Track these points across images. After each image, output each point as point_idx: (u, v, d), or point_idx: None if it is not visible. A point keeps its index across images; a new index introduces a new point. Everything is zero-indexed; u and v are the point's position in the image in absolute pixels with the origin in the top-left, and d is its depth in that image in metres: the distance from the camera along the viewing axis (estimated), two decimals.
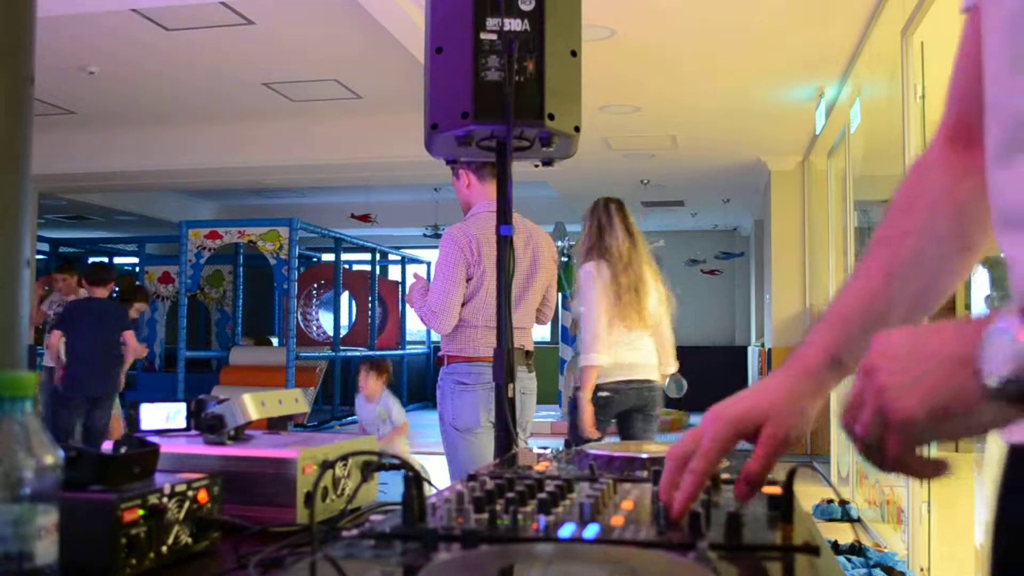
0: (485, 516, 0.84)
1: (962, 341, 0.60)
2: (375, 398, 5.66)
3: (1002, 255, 0.72)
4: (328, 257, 13.72)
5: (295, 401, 1.38)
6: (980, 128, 0.78)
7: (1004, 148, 0.68)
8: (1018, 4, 0.66)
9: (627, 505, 0.92)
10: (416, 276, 3.49)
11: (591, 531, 0.80)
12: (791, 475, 0.90)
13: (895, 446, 0.65)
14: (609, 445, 1.24)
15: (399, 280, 14.79)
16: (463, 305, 3.25)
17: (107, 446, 1.04)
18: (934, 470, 0.68)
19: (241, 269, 12.47)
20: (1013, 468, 0.77)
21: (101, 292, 6.35)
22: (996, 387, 0.58)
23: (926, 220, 0.86)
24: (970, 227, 0.84)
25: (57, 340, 5.98)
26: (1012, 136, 0.67)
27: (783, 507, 0.88)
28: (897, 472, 0.68)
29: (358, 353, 12.72)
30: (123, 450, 0.99)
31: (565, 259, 10.83)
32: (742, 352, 12.80)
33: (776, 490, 0.92)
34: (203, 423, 1.23)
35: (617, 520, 0.85)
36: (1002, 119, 0.68)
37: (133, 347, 6.16)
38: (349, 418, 12.38)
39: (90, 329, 6.02)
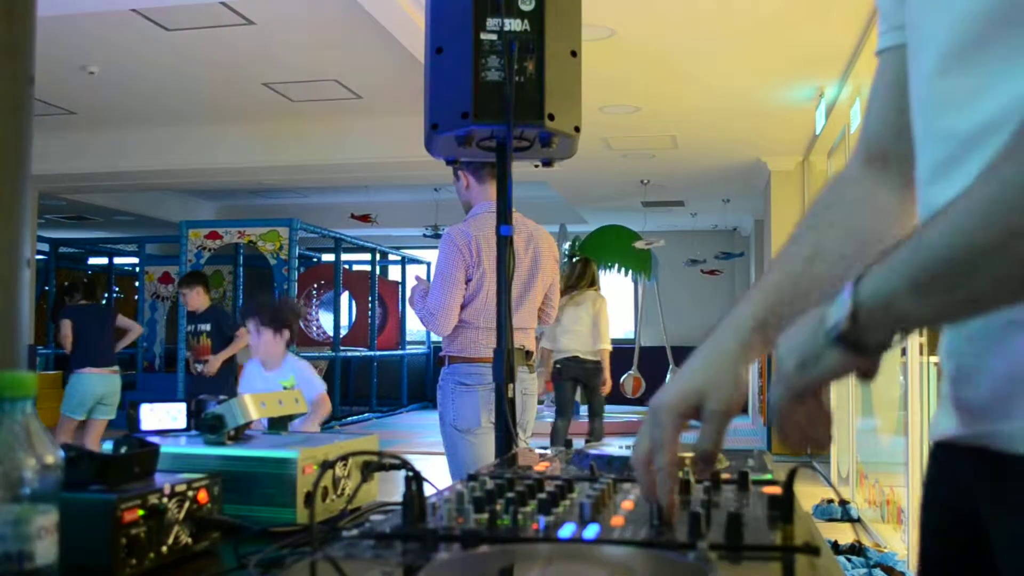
0: (485, 516, 0.84)
1: (815, 317, 0.75)
2: (275, 361, 3.95)
3: None
4: (328, 257, 13.71)
5: (295, 401, 1.38)
6: (895, 151, 0.93)
7: (940, 168, 0.78)
8: (936, 60, 0.78)
9: (627, 505, 0.92)
10: (417, 278, 3.49)
11: (591, 531, 0.80)
12: (791, 475, 0.90)
13: (787, 406, 0.80)
14: (609, 445, 1.24)
15: (399, 280, 14.79)
16: (464, 307, 3.25)
17: (107, 446, 1.04)
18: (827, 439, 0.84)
19: (241, 269, 12.47)
20: (932, 461, 0.87)
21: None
22: (828, 333, 0.72)
23: (847, 217, 0.97)
24: (885, 227, 0.95)
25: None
26: (945, 159, 0.77)
27: (783, 507, 0.88)
28: (804, 442, 0.84)
29: (358, 353, 12.73)
30: (123, 450, 0.99)
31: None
32: None
33: (776, 490, 0.92)
34: (203, 423, 1.23)
35: (617, 520, 0.85)
36: (935, 146, 0.79)
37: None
38: (350, 418, 12.38)
39: None
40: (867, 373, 0.74)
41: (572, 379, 6.56)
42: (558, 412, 6.66)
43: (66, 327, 6.66)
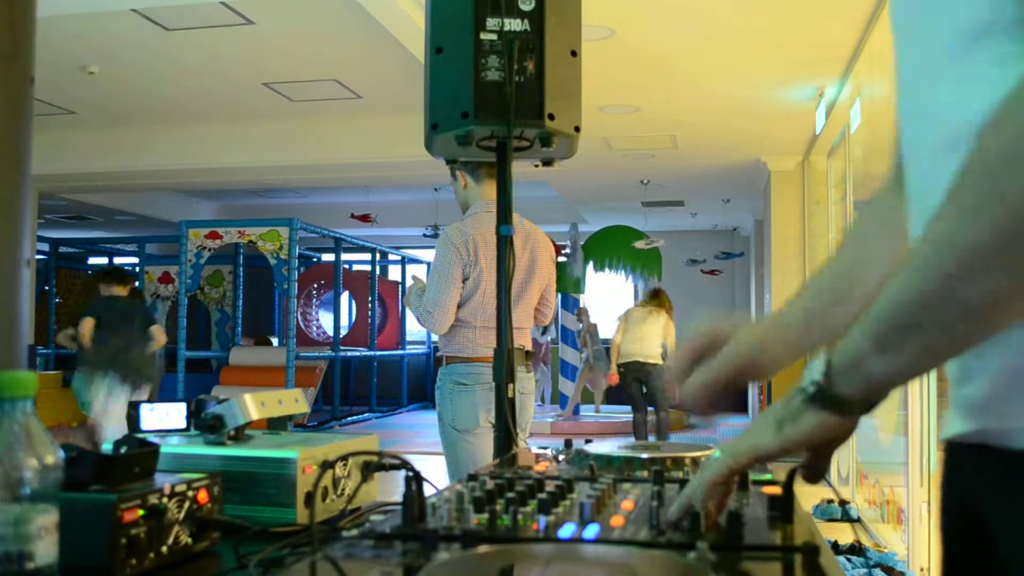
0: (485, 516, 0.84)
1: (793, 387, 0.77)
2: None
3: None
4: (328, 257, 13.72)
5: (295, 401, 1.38)
6: None
7: (918, 183, 0.82)
8: (907, 79, 0.82)
9: (627, 505, 0.92)
10: (414, 278, 3.50)
11: (591, 531, 0.80)
12: (791, 475, 0.90)
13: (713, 487, 0.83)
14: (609, 445, 1.24)
15: (399, 280, 14.79)
16: (461, 306, 3.25)
17: (107, 446, 1.04)
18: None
19: (241, 269, 12.48)
20: (947, 458, 0.88)
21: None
22: (805, 391, 0.74)
23: (876, 230, 1.02)
24: (896, 254, 0.97)
25: None
26: (919, 173, 0.81)
27: (783, 507, 0.88)
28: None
29: (358, 353, 12.73)
30: (123, 450, 0.99)
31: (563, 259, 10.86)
32: None
33: (776, 490, 0.93)
34: (203, 423, 1.23)
35: (617, 520, 0.85)
36: (911, 161, 0.83)
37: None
38: (350, 418, 12.39)
39: None
40: (843, 435, 0.77)
41: (635, 379, 7.91)
42: (633, 408, 8.15)
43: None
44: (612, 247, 11.22)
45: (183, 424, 1.35)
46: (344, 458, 1.21)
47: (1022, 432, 0.73)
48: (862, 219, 1.04)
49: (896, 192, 0.99)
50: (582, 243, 11.50)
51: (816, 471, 0.82)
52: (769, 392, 8.82)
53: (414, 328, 14.68)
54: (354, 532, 0.80)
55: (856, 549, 4.50)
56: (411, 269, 14.53)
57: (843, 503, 5.80)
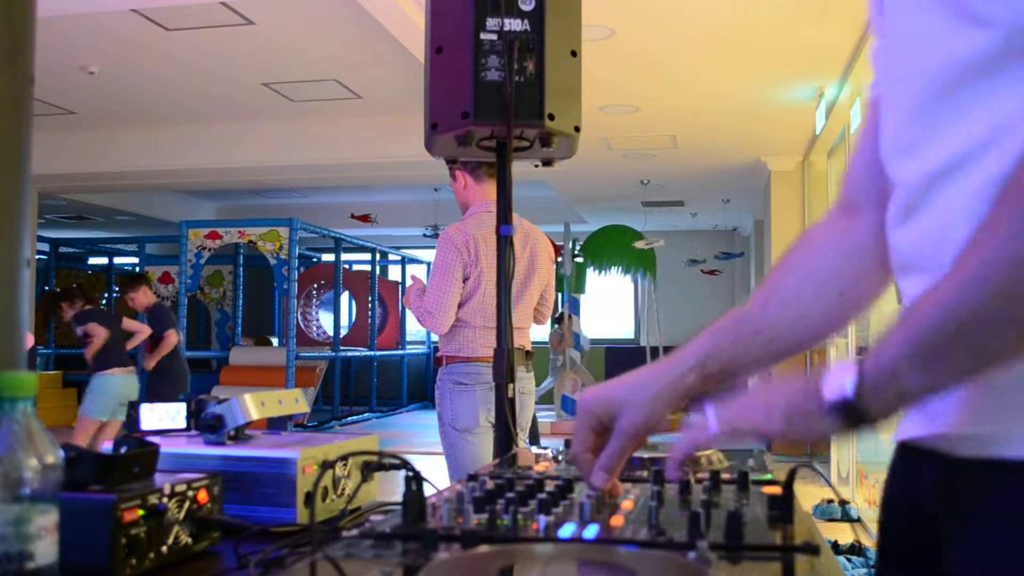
0: (485, 516, 0.84)
1: (808, 381, 0.77)
2: None
3: (899, 297, 0.87)
4: (328, 257, 13.72)
5: (295, 401, 1.38)
6: (865, 198, 0.96)
7: (902, 213, 0.83)
8: (908, 109, 0.81)
9: (627, 505, 0.92)
10: (413, 278, 3.49)
11: (591, 531, 0.80)
12: (791, 475, 0.91)
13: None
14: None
15: (399, 280, 14.78)
16: (461, 305, 3.25)
17: (107, 446, 1.04)
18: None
19: (241, 269, 12.47)
20: (896, 458, 0.90)
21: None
22: (831, 401, 0.74)
23: (809, 261, 0.99)
24: (854, 271, 0.96)
25: None
26: (906, 204, 0.81)
27: (783, 507, 0.88)
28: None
29: (358, 353, 12.73)
30: (123, 450, 0.99)
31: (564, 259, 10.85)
32: None
33: (776, 490, 0.93)
34: (203, 423, 1.23)
35: (617, 520, 0.85)
36: (899, 192, 0.83)
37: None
38: (350, 418, 12.39)
39: None
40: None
41: None
42: None
43: (100, 330, 6.72)
44: (609, 247, 11.21)
45: (183, 424, 1.35)
46: (344, 458, 1.21)
47: (969, 440, 0.75)
48: (784, 258, 1.02)
49: (834, 226, 1.00)
50: (580, 243, 11.51)
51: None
52: None
53: (414, 328, 14.67)
54: (354, 532, 0.80)
55: (856, 549, 4.50)
56: (411, 269, 14.53)
57: (843, 503, 5.80)
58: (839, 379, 0.74)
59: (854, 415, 0.73)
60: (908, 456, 0.87)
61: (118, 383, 6.77)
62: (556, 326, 11.33)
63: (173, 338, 6.98)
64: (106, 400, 6.74)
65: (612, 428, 0.91)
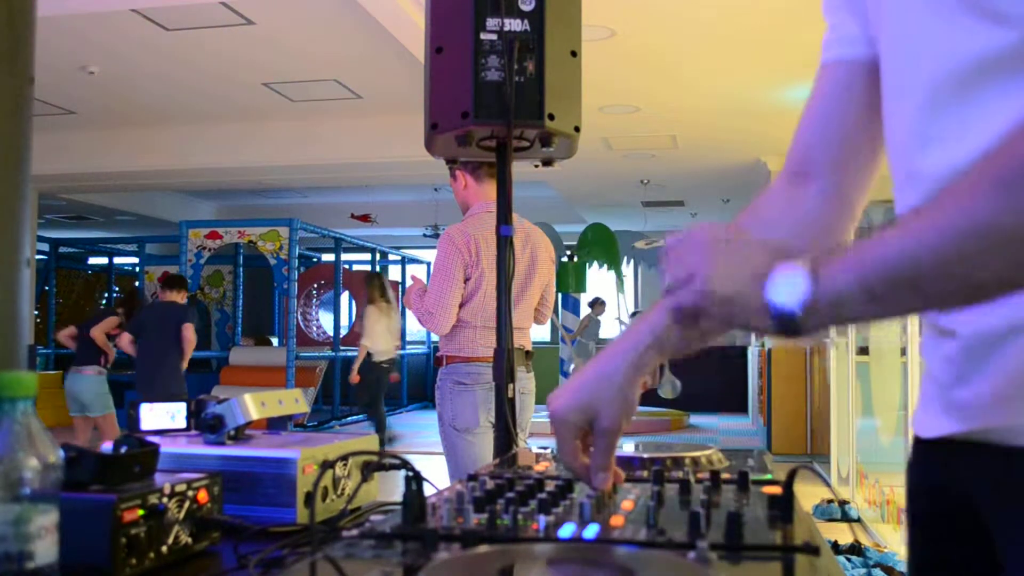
0: (485, 516, 0.84)
1: (765, 263, 0.75)
2: None
3: None
4: (328, 257, 13.71)
5: (295, 401, 1.38)
6: (822, 163, 1.00)
7: (924, 202, 0.83)
8: (916, 106, 0.82)
9: (627, 505, 0.92)
10: (414, 278, 3.49)
11: (591, 531, 0.80)
12: (791, 475, 0.90)
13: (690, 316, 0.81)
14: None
15: (399, 280, 14.78)
16: (462, 306, 3.25)
17: (107, 446, 1.04)
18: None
19: (241, 269, 12.47)
20: (914, 452, 0.93)
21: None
22: (774, 310, 0.73)
23: (767, 226, 1.01)
24: (805, 239, 0.98)
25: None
26: (930, 195, 0.79)
27: (783, 507, 0.88)
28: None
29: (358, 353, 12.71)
30: (123, 450, 0.99)
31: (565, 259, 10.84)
32: (742, 352, 12.80)
33: (776, 490, 0.93)
34: (203, 423, 1.23)
35: (617, 520, 0.85)
36: (918, 183, 0.83)
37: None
38: (350, 418, 12.38)
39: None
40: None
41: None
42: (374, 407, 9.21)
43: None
44: (598, 245, 11.19)
45: (183, 424, 1.35)
46: (344, 458, 1.21)
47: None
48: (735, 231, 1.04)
49: (783, 194, 1.04)
50: (574, 243, 11.50)
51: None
52: (769, 392, 8.82)
53: (414, 328, 14.66)
54: (354, 532, 0.80)
55: (856, 549, 4.50)
56: (411, 269, 14.52)
57: (843, 503, 5.80)
58: (788, 288, 0.73)
59: (792, 326, 0.73)
60: (936, 451, 0.87)
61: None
62: (592, 310, 11.41)
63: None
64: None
65: (592, 429, 0.91)
